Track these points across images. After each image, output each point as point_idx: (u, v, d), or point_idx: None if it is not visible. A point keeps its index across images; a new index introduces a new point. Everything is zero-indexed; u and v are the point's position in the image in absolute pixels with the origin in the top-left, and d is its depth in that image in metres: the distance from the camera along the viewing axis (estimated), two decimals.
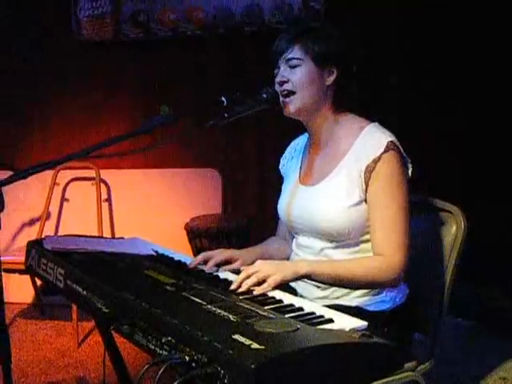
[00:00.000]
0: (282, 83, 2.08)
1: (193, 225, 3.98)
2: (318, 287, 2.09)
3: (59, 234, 4.51)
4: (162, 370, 1.40)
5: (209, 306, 1.64)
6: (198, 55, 4.49)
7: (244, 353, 1.32)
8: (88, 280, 1.93)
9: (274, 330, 1.45)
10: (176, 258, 2.26)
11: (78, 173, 4.51)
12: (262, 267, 1.89)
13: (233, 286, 1.86)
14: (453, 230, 2.21)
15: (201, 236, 3.88)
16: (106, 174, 4.53)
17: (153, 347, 1.57)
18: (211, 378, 1.35)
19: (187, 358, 1.41)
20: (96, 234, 4.10)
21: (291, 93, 2.07)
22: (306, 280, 2.01)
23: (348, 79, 2.10)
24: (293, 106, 2.09)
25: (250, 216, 4.37)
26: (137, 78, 4.61)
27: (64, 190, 4.59)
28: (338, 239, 2.05)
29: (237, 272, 2.08)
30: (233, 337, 1.40)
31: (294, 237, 2.28)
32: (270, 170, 4.49)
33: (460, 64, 4.21)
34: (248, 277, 1.87)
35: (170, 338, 1.51)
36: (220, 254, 2.19)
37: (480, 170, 4.19)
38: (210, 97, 4.12)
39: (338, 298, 2.07)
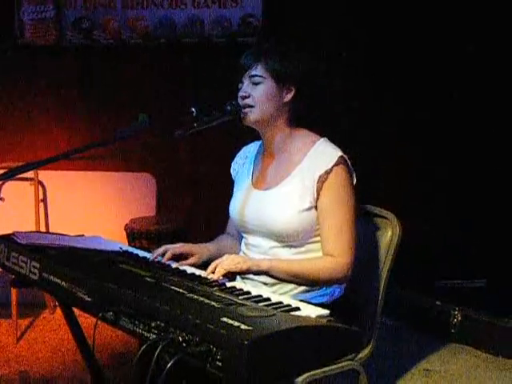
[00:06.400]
0: (243, 97, 2.29)
1: (133, 226, 4.11)
2: (266, 284, 2.29)
3: None
4: (159, 349, 1.59)
5: (190, 295, 1.84)
6: (140, 63, 4.65)
7: (235, 332, 1.54)
8: (67, 272, 2.08)
9: (256, 314, 1.67)
10: (141, 255, 2.44)
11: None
12: (234, 257, 2.14)
13: (207, 272, 2.10)
14: (388, 235, 2.44)
15: (141, 237, 4.03)
16: (41, 174, 4.59)
17: (140, 331, 1.76)
18: (204, 356, 1.55)
19: (180, 338, 1.61)
20: None
21: (251, 106, 2.29)
22: (253, 277, 2.25)
23: (304, 98, 2.33)
24: (251, 117, 2.29)
25: (184, 217, 4.55)
26: (78, 84, 4.70)
27: None
28: (287, 240, 2.27)
29: (199, 267, 2.29)
30: (221, 319, 1.61)
31: (242, 236, 2.48)
32: (202, 174, 4.75)
33: (398, 73, 4.55)
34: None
35: (159, 322, 1.70)
36: (178, 248, 2.39)
37: (413, 179, 4.57)
38: (150, 105, 4.33)
39: (284, 293, 2.28)
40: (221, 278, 2.09)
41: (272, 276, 2.20)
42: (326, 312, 1.83)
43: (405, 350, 3.71)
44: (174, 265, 2.30)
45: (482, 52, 4.47)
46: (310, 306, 1.90)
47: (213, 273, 2.12)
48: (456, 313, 3.84)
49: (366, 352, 2.36)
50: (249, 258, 2.28)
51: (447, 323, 3.85)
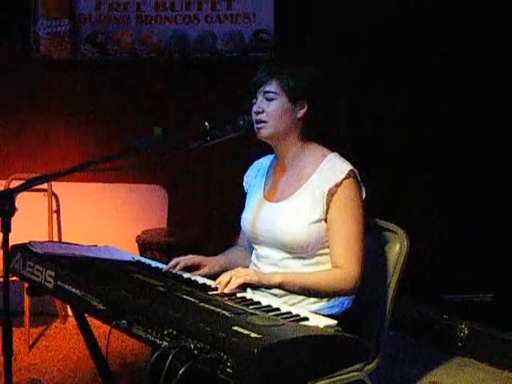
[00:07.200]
0: (257, 113, 2.35)
1: (144, 238, 4.18)
2: (276, 295, 2.33)
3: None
4: (171, 356, 1.64)
5: (202, 304, 1.89)
6: (153, 77, 4.73)
7: (245, 340, 1.58)
8: (82, 281, 2.14)
9: (265, 323, 1.72)
10: (153, 265, 2.49)
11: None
12: (241, 270, 2.18)
13: (216, 283, 2.13)
14: (396, 249, 2.49)
15: (152, 249, 4.09)
16: (55, 185, 4.66)
17: (153, 338, 1.81)
18: (214, 363, 1.60)
19: (192, 346, 1.66)
20: None
21: (265, 122, 2.34)
22: (263, 289, 2.30)
23: (316, 113, 2.40)
24: (265, 132, 2.35)
25: (195, 230, 4.61)
26: (92, 97, 4.79)
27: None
28: (297, 251, 2.32)
29: (211, 278, 2.34)
30: (233, 328, 1.65)
31: (253, 248, 2.53)
32: (214, 187, 4.80)
33: (407, 90, 4.61)
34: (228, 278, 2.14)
35: (171, 330, 1.75)
36: (189, 259, 2.44)
37: (419, 191, 4.62)
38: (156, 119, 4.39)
39: (293, 304, 2.31)
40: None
41: (285, 290, 2.24)
42: (333, 322, 1.88)
43: (411, 362, 3.74)
44: (186, 275, 2.35)
45: (482, 56, 4.51)
46: (319, 316, 1.95)
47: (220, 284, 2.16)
48: (463, 326, 3.87)
49: (373, 364, 2.39)
50: (260, 271, 2.32)
51: (454, 337, 3.88)
